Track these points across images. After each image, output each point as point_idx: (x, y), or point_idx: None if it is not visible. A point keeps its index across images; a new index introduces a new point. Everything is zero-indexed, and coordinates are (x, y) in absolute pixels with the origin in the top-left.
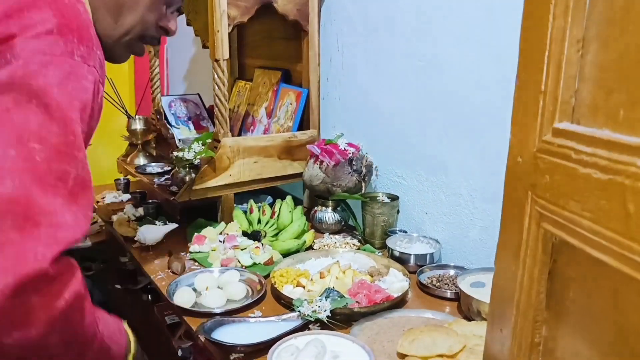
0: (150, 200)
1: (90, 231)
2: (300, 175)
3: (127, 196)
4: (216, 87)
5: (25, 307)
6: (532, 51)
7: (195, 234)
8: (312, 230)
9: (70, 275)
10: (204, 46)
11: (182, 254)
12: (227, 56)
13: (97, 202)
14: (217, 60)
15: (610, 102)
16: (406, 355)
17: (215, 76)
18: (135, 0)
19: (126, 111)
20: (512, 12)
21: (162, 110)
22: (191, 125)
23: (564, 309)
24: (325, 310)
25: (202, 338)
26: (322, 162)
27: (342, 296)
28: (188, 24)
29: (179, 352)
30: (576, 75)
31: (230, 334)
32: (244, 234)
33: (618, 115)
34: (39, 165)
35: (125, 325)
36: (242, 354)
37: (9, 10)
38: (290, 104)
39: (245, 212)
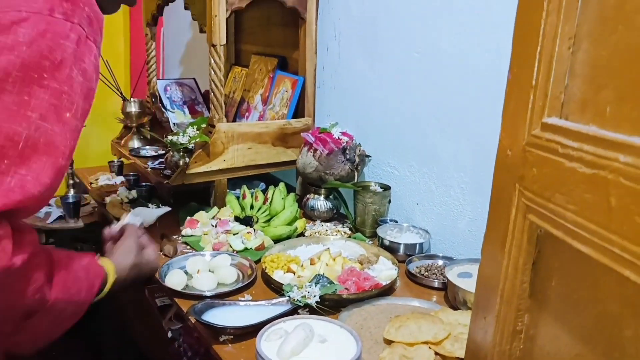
0: (144, 183)
1: (47, 201)
2: (293, 162)
3: (121, 178)
4: (212, 72)
5: None
6: (525, 47)
7: (188, 217)
8: (304, 218)
9: None
10: (202, 30)
11: (174, 237)
12: (224, 41)
13: (91, 183)
14: (214, 45)
15: (599, 99)
16: (392, 341)
17: (212, 61)
18: None
19: (121, 93)
20: (509, 6)
21: (157, 94)
22: (186, 110)
23: (546, 298)
24: (314, 296)
25: (193, 319)
26: (315, 150)
27: (331, 282)
28: (186, 8)
29: (169, 334)
30: (567, 71)
31: (220, 317)
32: (236, 219)
33: (605, 111)
34: None
35: (106, 267)
36: (232, 336)
37: None
38: (286, 91)
39: (238, 198)
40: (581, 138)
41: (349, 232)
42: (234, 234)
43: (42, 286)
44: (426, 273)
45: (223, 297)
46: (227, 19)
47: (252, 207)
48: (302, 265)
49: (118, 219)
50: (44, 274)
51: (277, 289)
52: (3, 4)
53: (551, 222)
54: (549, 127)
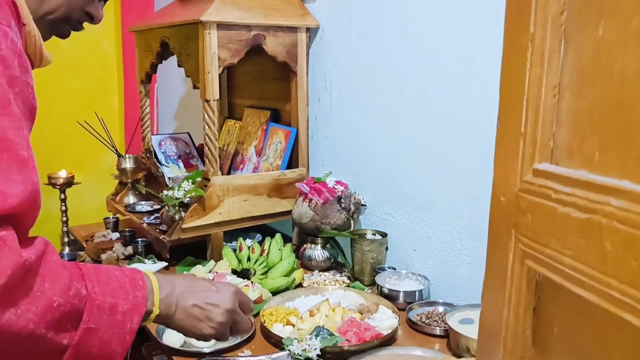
0: (140, 239)
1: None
2: (289, 212)
3: (116, 235)
4: (206, 127)
5: None
6: (512, 96)
7: (185, 272)
8: (302, 269)
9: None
10: (195, 87)
11: None
12: (217, 97)
13: (86, 240)
14: (207, 101)
15: (585, 146)
16: None
17: (206, 116)
18: None
19: (116, 150)
20: (494, 55)
21: (152, 149)
22: (181, 164)
23: (549, 346)
24: (315, 349)
25: None
26: (311, 200)
27: (332, 334)
28: (179, 65)
29: None
30: (553, 119)
31: None
32: (234, 272)
33: (593, 157)
34: None
35: (147, 273)
36: None
37: None
38: (280, 142)
39: (234, 250)
40: (573, 183)
41: (348, 281)
42: None
43: (72, 280)
44: (427, 320)
45: (222, 353)
46: (219, 75)
47: (249, 259)
48: (301, 318)
49: None
50: (69, 268)
51: (277, 343)
52: None
53: (549, 267)
54: (541, 172)
